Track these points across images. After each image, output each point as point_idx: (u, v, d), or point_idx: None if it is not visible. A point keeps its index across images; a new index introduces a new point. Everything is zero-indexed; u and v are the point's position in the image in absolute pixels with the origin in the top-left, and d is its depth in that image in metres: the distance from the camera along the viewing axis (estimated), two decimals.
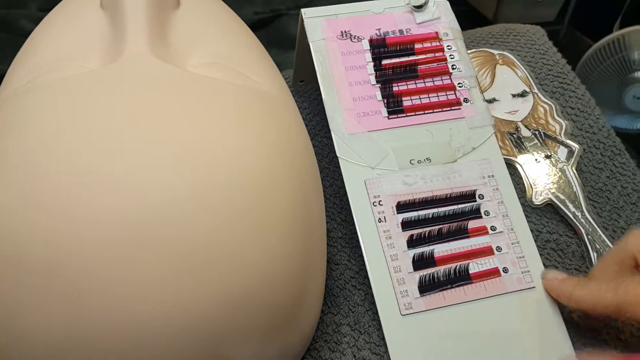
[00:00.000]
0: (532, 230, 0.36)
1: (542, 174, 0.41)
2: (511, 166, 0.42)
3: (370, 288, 0.33)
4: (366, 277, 0.34)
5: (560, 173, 0.42)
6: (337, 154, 0.35)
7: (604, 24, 0.94)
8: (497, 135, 0.43)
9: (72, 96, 0.27)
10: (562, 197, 0.40)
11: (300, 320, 0.31)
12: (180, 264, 0.25)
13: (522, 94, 0.46)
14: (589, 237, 0.39)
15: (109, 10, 0.31)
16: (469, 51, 0.48)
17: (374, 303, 0.33)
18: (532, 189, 0.41)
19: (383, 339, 0.33)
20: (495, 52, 0.48)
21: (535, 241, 0.37)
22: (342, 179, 0.35)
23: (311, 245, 0.30)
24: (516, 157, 0.42)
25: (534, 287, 0.34)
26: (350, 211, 0.35)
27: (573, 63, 0.86)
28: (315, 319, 0.33)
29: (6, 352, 0.26)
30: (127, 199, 0.24)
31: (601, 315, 0.33)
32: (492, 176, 0.36)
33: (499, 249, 0.35)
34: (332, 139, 0.35)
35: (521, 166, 0.42)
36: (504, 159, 0.41)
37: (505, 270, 0.34)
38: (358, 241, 0.34)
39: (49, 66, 0.29)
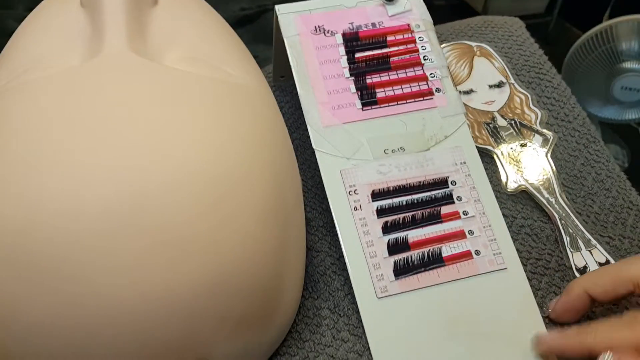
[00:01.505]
0: (507, 216, 0.37)
1: (517, 162, 0.43)
2: (487, 155, 0.43)
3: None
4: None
5: (535, 161, 0.43)
6: (313, 146, 0.36)
7: (594, 15, 0.95)
8: (474, 125, 0.44)
9: (51, 93, 0.28)
10: (536, 184, 0.42)
11: (279, 306, 0.32)
12: (158, 252, 0.26)
13: (499, 85, 0.47)
14: (562, 222, 0.40)
15: (88, 8, 0.32)
16: (447, 44, 0.49)
17: (352, 287, 0.35)
18: (507, 176, 0.42)
19: (361, 320, 0.34)
20: (473, 44, 0.49)
21: (510, 227, 0.38)
22: None
23: (287, 233, 0.32)
24: (492, 147, 0.44)
25: (505, 269, 0.35)
26: None
27: (563, 55, 0.87)
28: (295, 304, 0.35)
29: None
30: (106, 191, 0.25)
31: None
32: (464, 163, 0.37)
33: (471, 232, 0.36)
34: None
35: (497, 155, 0.43)
36: (481, 148, 0.42)
37: (478, 252, 0.35)
38: None
39: (30, 65, 0.30)
